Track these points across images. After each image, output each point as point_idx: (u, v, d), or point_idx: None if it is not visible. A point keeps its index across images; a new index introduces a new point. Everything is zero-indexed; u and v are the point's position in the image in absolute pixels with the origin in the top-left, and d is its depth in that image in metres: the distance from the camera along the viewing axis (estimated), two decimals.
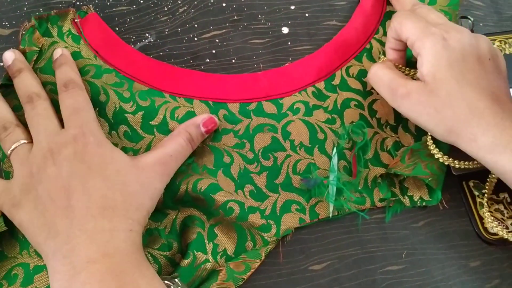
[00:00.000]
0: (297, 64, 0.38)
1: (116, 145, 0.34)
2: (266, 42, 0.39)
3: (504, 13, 0.44)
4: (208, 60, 0.38)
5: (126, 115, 0.35)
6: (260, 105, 0.36)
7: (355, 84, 0.37)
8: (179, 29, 0.39)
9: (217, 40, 0.39)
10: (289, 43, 0.40)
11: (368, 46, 0.39)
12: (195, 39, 0.39)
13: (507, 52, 0.43)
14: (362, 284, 0.33)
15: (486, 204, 0.36)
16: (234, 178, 0.34)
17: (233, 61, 0.38)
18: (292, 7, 0.41)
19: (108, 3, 0.39)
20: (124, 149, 0.34)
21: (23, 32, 0.36)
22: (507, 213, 0.37)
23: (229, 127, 0.36)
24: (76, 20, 0.37)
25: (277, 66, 0.39)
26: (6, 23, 0.37)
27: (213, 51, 0.38)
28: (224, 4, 0.40)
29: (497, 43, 0.43)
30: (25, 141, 0.31)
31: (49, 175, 0.29)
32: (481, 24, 0.43)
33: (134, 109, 0.35)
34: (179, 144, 0.33)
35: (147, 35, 0.38)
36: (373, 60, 0.38)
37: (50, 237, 0.28)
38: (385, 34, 0.39)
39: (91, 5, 0.38)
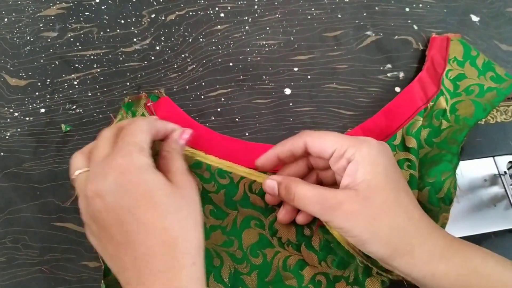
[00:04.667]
0: None
1: (204, 224, 0.34)
2: (269, 102, 0.41)
3: None
4: (213, 118, 0.40)
5: (209, 195, 0.36)
6: None
7: None
8: (187, 87, 0.41)
9: (222, 99, 0.41)
10: (290, 104, 0.42)
11: None
12: (202, 97, 0.41)
13: (498, 120, 0.45)
14: None
15: None
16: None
17: (237, 119, 0.40)
18: (295, 69, 0.43)
19: (121, 58, 0.41)
20: (213, 227, 0.36)
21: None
22: None
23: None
24: (148, 104, 0.38)
25: (278, 126, 0.41)
26: (23, 74, 0.39)
27: (218, 109, 0.40)
28: (231, 64, 0.42)
29: None
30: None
31: (98, 210, 0.27)
32: None
33: (215, 188, 0.36)
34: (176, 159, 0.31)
35: (156, 91, 0.40)
36: None
37: (121, 271, 0.28)
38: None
39: (162, 89, 0.40)
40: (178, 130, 0.34)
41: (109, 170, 0.27)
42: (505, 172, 0.42)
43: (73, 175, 0.30)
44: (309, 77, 0.43)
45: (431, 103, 0.41)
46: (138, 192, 0.27)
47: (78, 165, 0.30)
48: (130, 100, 0.38)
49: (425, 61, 0.44)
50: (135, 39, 0.42)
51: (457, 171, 0.37)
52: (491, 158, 0.43)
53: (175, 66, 0.41)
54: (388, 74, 0.44)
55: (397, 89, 0.44)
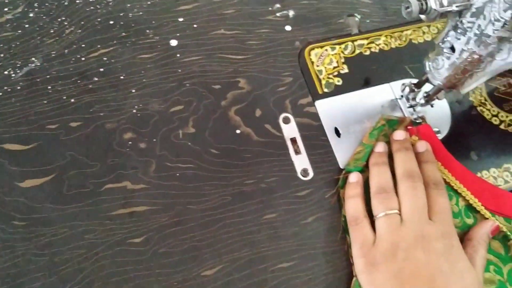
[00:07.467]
0: None
1: None
2: (155, 56, 0.40)
3: (390, 8, 0.46)
4: (96, 79, 0.39)
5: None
6: None
7: None
8: (66, 51, 0.39)
9: (105, 58, 0.39)
10: (178, 55, 0.40)
11: None
12: (83, 59, 0.39)
13: (392, 46, 0.45)
14: (254, 285, 0.35)
15: None
16: None
17: (122, 77, 0.39)
18: (180, 19, 0.42)
19: None
20: None
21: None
22: None
23: None
24: (409, 127, 0.39)
25: (166, 79, 0.40)
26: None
27: (101, 69, 0.39)
28: (111, 22, 0.41)
29: (383, 38, 0.45)
30: (398, 212, 0.34)
31: (417, 258, 0.32)
32: (367, 21, 0.45)
33: (460, 225, 0.37)
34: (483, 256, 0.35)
35: (33, 59, 0.39)
36: None
37: None
38: None
39: (425, 116, 0.41)
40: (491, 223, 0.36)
41: (439, 235, 0.33)
42: (401, 96, 0.42)
43: (384, 212, 0.34)
44: (195, 25, 0.42)
45: None
46: (456, 266, 0.32)
47: (391, 204, 0.34)
48: (395, 119, 0.39)
49: None
50: (6, 9, 0.40)
51: None
52: (388, 84, 0.43)
53: (52, 31, 0.40)
54: (278, 14, 0.43)
55: (288, 27, 0.43)
